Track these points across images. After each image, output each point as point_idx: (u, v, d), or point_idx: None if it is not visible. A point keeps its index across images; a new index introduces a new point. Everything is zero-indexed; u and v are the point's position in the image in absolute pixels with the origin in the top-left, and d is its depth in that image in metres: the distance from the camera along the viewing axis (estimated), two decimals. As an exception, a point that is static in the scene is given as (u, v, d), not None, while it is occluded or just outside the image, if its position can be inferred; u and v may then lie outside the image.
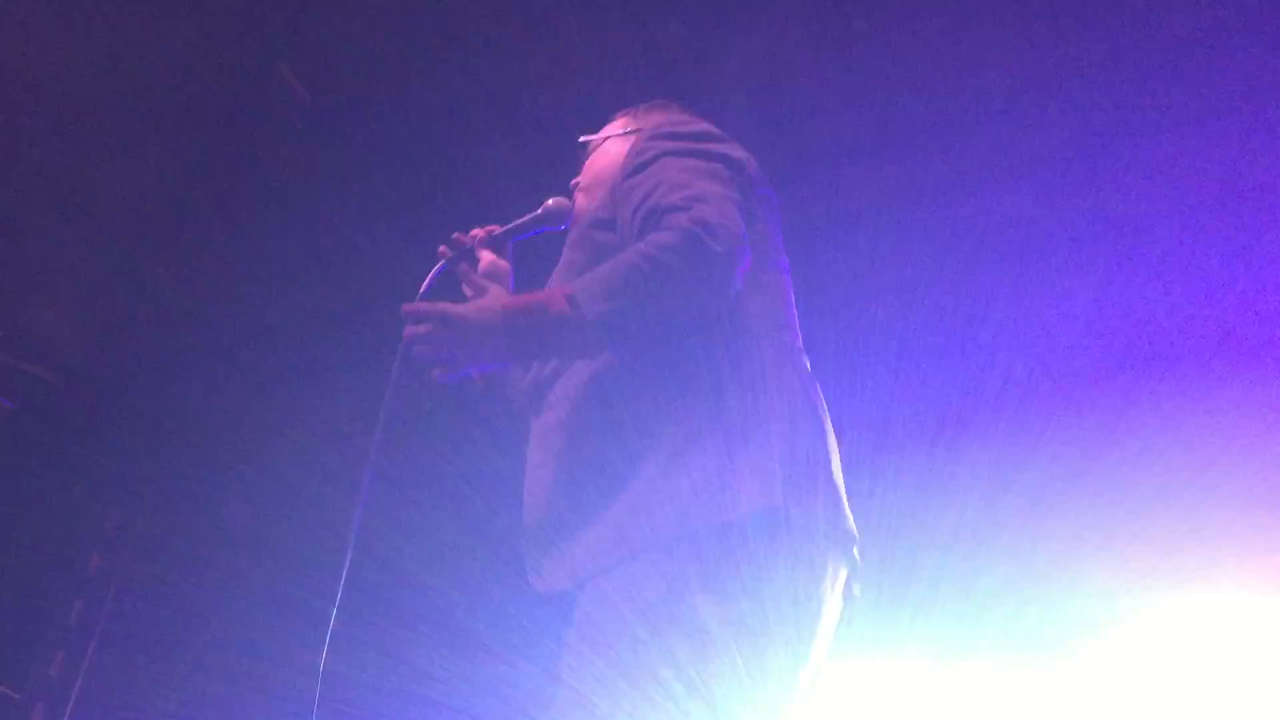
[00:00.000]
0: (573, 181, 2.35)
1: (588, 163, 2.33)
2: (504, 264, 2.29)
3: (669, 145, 1.97)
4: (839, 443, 1.91)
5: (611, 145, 2.30)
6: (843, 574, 1.80)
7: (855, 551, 1.83)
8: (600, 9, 3.26)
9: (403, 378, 2.07)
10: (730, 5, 3.23)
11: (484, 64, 3.42)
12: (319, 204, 3.87)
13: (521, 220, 2.31)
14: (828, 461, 1.82)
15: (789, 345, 1.92)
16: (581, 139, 2.38)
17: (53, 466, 4.64)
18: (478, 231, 2.29)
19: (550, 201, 2.29)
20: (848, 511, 1.83)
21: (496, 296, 1.94)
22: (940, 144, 3.50)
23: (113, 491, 4.78)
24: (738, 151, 2.01)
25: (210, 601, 4.86)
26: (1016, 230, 3.70)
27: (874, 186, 3.63)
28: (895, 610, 4.54)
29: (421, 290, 2.17)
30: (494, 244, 2.30)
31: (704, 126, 2.04)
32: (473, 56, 3.40)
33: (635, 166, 1.96)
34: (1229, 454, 4.10)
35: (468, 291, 2.26)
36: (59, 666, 4.46)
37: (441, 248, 2.28)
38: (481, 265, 2.27)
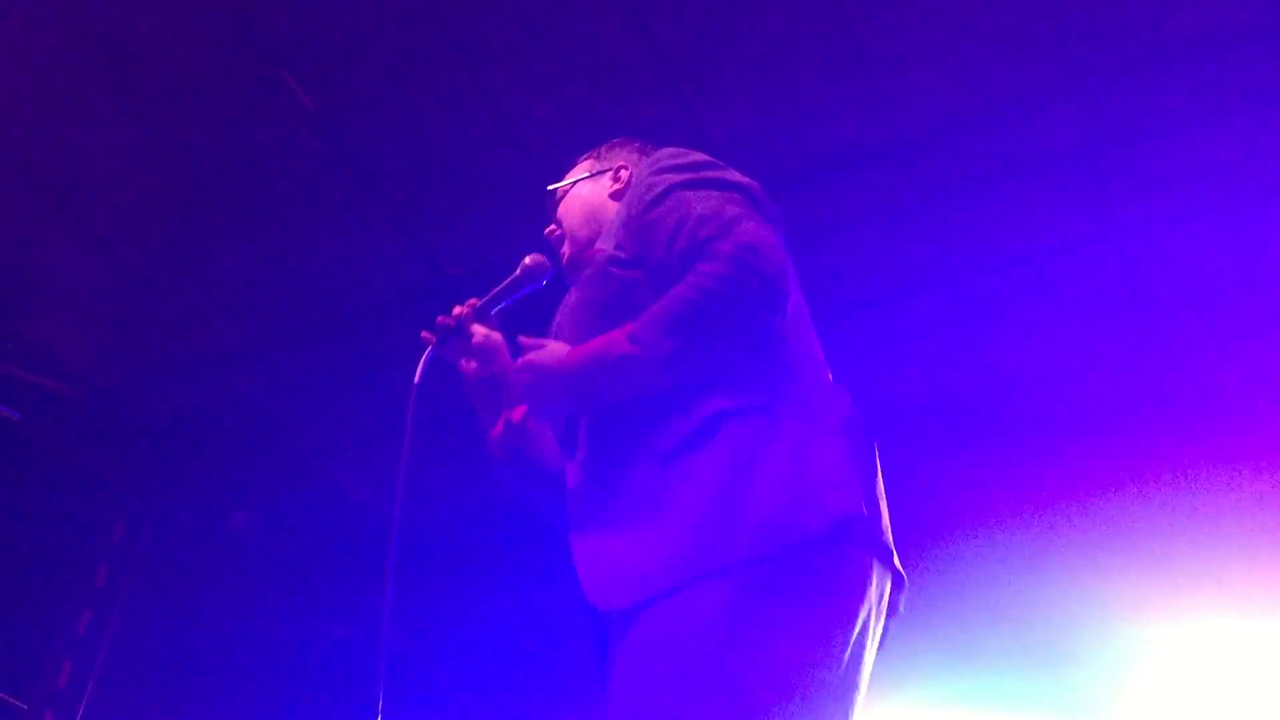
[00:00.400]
0: (547, 230, 2.33)
1: (562, 208, 2.31)
2: (496, 336, 2.20)
3: (678, 178, 1.98)
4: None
5: (584, 188, 2.30)
6: (887, 592, 1.79)
7: (897, 562, 1.81)
8: (605, 15, 3.25)
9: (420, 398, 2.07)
10: (731, 7, 3.22)
11: (488, 71, 3.42)
12: (324, 211, 3.86)
13: (501, 285, 2.23)
14: (876, 474, 1.82)
15: (818, 360, 1.92)
16: (550, 188, 2.36)
17: (60, 477, 4.63)
18: (460, 309, 2.19)
19: (527, 259, 2.23)
20: (888, 527, 1.81)
21: (555, 346, 1.89)
22: (941, 146, 3.50)
23: (120, 502, 4.77)
24: (741, 177, 2.02)
25: (218, 611, 4.86)
26: (1023, 230, 3.69)
27: (873, 189, 3.63)
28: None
29: (415, 381, 2.11)
30: (479, 316, 2.20)
31: (703, 156, 2.05)
32: (477, 63, 3.40)
33: (649, 201, 1.97)
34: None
35: (467, 370, 2.19)
36: (67, 677, 4.46)
37: (425, 333, 2.17)
38: (475, 340, 2.17)
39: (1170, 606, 4.44)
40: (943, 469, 4.42)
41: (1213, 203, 3.49)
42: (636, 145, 2.37)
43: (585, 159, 2.39)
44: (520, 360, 1.92)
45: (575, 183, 2.32)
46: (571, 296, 2.08)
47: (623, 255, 1.98)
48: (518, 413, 2.14)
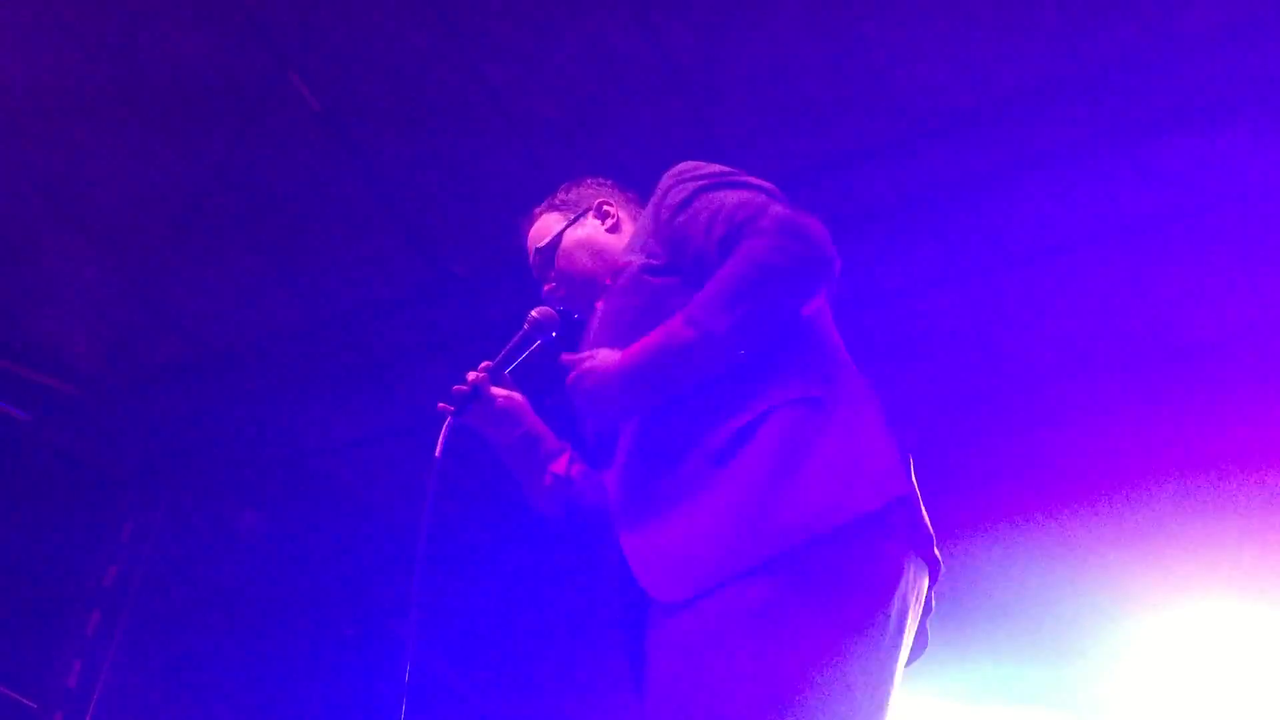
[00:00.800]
0: (546, 289, 2.30)
1: (561, 258, 2.27)
2: (517, 396, 2.18)
3: (700, 184, 1.99)
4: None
5: (574, 233, 2.29)
6: (925, 588, 1.80)
7: (936, 550, 1.82)
8: (609, 15, 3.27)
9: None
10: (736, 7, 3.24)
11: (494, 71, 3.44)
12: (331, 212, 3.88)
13: (511, 343, 2.19)
14: (909, 460, 1.84)
15: (846, 355, 1.95)
16: (538, 247, 2.33)
17: (68, 477, 4.64)
18: (474, 374, 2.16)
19: (534, 313, 2.21)
20: (926, 516, 1.83)
21: (606, 352, 1.87)
22: (946, 145, 3.52)
23: (129, 502, 4.79)
24: (760, 180, 2.03)
25: (227, 612, 4.87)
26: (1027, 230, 3.71)
27: (881, 188, 3.65)
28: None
29: (436, 454, 2.06)
30: (494, 378, 2.17)
31: (721, 166, 2.05)
32: (483, 64, 3.42)
33: (676, 206, 1.98)
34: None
35: (493, 435, 2.17)
36: (76, 677, 4.47)
37: (441, 404, 2.13)
38: (498, 404, 2.15)
39: (1173, 599, 4.46)
40: (940, 464, 4.44)
41: (1223, 198, 3.50)
42: (597, 181, 2.38)
43: (546, 211, 2.37)
44: (575, 372, 1.89)
45: (561, 233, 2.30)
46: (603, 308, 2.08)
47: (656, 263, 1.98)
48: (561, 465, 2.14)
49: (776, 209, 1.84)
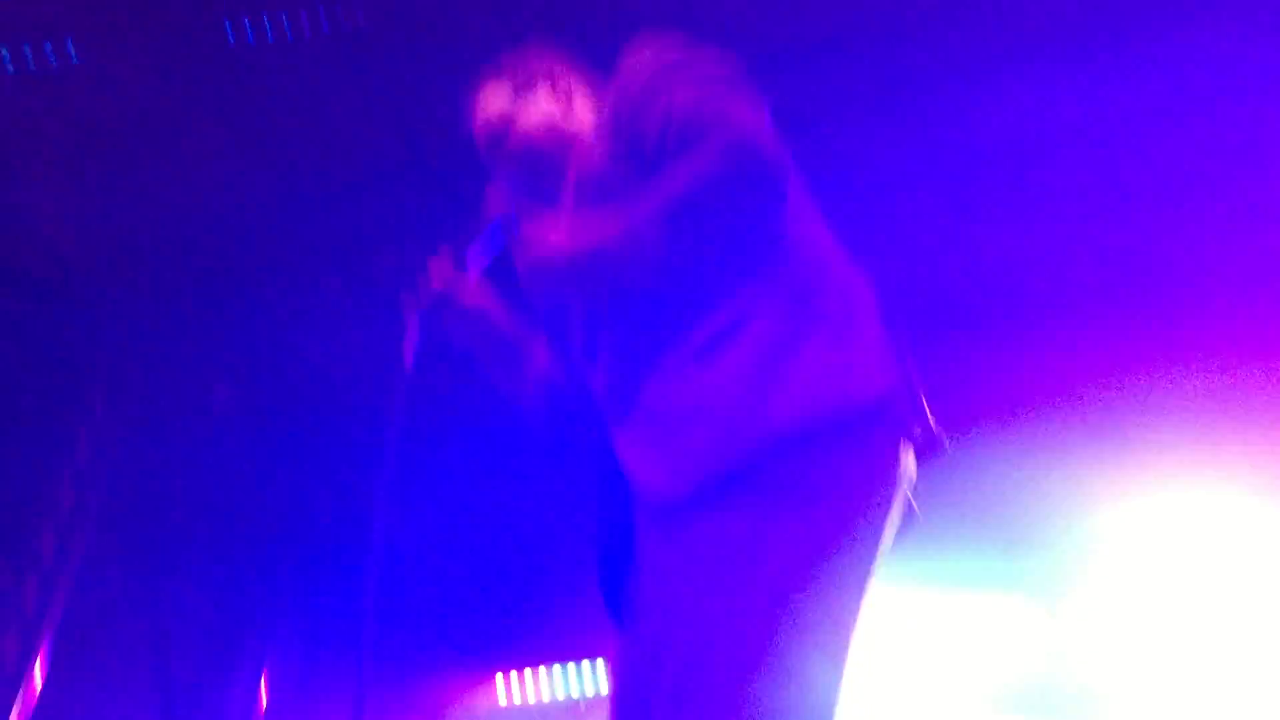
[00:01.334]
0: (499, 169, 2.09)
1: (512, 132, 2.04)
2: (488, 291, 2.04)
3: (659, 78, 1.84)
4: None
5: (526, 105, 2.06)
6: (912, 461, 1.78)
7: (934, 426, 1.79)
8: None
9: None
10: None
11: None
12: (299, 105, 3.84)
13: (478, 238, 1.99)
14: (908, 350, 1.81)
15: (832, 240, 1.87)
16: (487, 131, 2.08)
17: (41, 348, 4.63)
18: (440, 269, 1.99)
19: (495, 206, 2.03)
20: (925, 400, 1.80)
21: (551, 223, 1.80)
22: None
23: (102, 370, 4.79)
24: (717, 55, 1.89)
25: (201, 485, 4.89)
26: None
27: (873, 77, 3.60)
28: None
29: (407, 364, 1.94)
30: (460, 267, 2.00)
31: (676, 50, 1.89)
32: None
33: (633, 105, 1.85)
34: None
35: (468, 336, 2.05)
36: (51, 546, 4.52)
37: (405, 297, 1.99)
38: (470, 302, 2.01)
39: (1132, 491, 4.55)
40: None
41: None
42: (542, 48, 2.14)
43: (492, 85, 2.11)
44: (525, 243, 1.85)
45: (512, 108, 2.06)
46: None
47: (615, 165, 1.85)
48: (542, 362, 2.05)
49: (730, 123, 1.74)
